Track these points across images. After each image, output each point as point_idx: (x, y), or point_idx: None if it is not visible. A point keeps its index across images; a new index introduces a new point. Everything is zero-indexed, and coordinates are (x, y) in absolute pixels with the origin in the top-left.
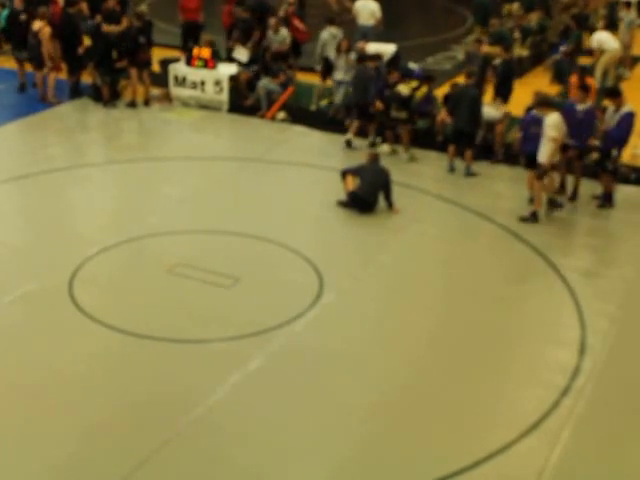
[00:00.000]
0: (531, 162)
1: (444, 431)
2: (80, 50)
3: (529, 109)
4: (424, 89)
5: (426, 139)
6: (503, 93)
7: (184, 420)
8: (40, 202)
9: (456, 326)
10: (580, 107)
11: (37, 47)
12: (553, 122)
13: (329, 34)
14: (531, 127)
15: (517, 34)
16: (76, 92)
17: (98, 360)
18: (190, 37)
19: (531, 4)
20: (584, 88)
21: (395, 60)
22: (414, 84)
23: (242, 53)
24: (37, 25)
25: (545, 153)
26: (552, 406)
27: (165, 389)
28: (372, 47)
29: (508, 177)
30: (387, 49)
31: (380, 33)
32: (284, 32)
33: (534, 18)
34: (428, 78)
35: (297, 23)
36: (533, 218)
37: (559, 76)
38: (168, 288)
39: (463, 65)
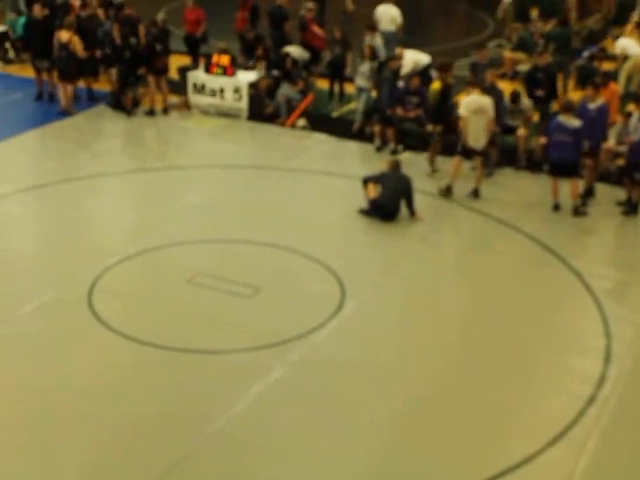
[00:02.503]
0: (555, 169)
1: (467, 441)
2: (97, 54)
3: (554, 115)
4: (437, 84)
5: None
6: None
7: (205, 432)
8: (58, 211)
9: (479, 336)
10: (592, 105)
11: (67, 59)
12: None
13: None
14: (556, 134)
15: (540, 40)
16: (91, 99)
17: (117, 371)
18: (190, 50)
19: (550, 10)
20: (595, 86)
21: (426, 70)
22: (437, 85)
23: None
24: (65, 36)
25: None
26: (577, 416)
27: (185, 400)
28: (409, 55)
29: (532, 184)
30: (423, 59)
31: (401, 39)
32: (305, 54)
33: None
34: (443, 68)
35: (316, 29)
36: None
37: (583, 81)
38: (188, 298)
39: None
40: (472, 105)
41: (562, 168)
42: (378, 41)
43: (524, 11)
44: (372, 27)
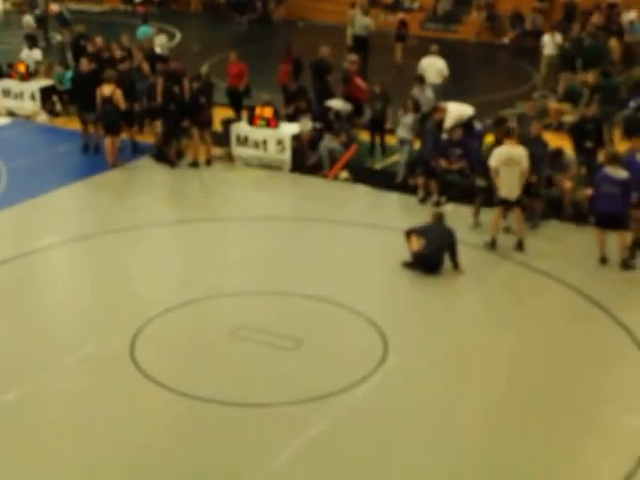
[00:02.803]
0: (603, 221)
1: None
2: (136, 107)
3: (600, 166)
4: (491, 138)
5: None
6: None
7: None
8: (103, 262)
9: (526, 391)
10: (639, 156)
11: (111, 114)
12: None
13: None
14: (603, 185)
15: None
16: (136, 151)
17: (159, 424)
18: (233, 102)
19: (595, 60)
20: None
21: (470, 122)
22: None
23: (306, 124)
24: (107, 90)
25: None
26: (627, 476)
27: (227, 454)
28: (453, 107)
29: (577, 236)
30: (466, 111)
31: (448, 92)
32: (347, 106)
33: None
34: (498, 122)
35: (359, 82)
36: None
37: (630, 132)
38: (231, 350)
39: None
40: (503, 156)
41: (609, 220)
42: (429, 93)
43: (571, 61)
44: (421, 79)
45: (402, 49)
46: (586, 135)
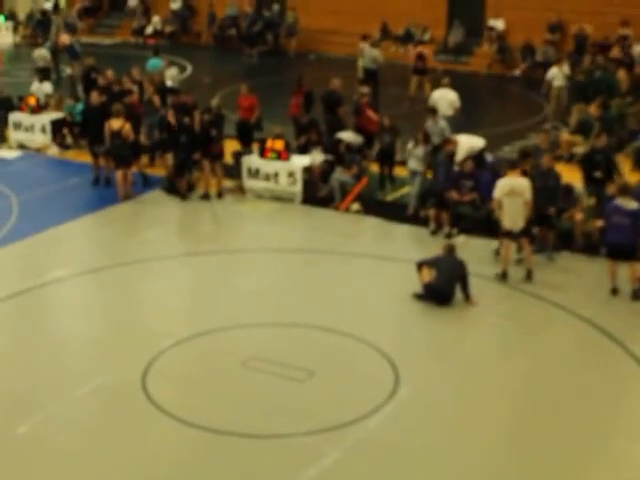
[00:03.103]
0: (614, 252)
1: None
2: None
3: (611, 198)
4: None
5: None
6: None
7: None
8: (114, 294)
9: (536, 421)
10: None
11: (121, 147)
12: None
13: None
14: (613, 216)
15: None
16: (146, 184)
17: (171, 456)
18: (243, 135)
19: (603, 91)
20: None
21: (481, 154)
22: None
23: (317, 156)
24: (116, 124)
25: None
26: None
27: None
28: (464, 139)
29: (588, 267)
30: (477, 143)
31: (459, 122)
32: (358, 138)
33: (612, 105)
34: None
35: (370, 114)
36: None
37: None
38: (242, 382)
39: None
40: (505, 187)
41: (620, 251)
42: (442, 124)
43: (583, 93)
44: (433, 110)
45: (417, 82)
46: (595, 166)
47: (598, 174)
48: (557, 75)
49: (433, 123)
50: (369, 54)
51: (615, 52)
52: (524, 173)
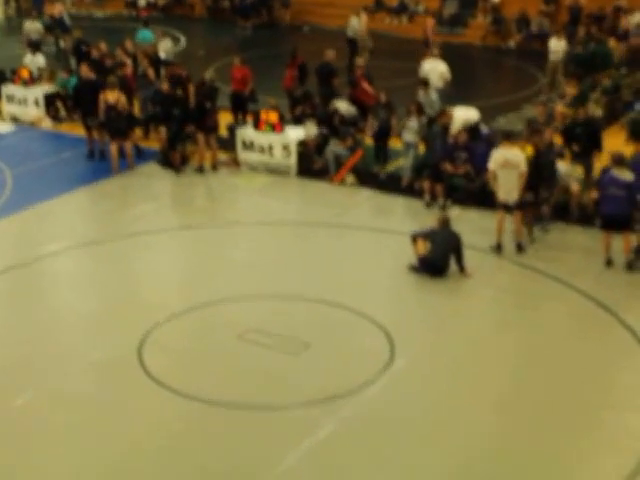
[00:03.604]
0: (608, 223)
1: None
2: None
3: (606, 170)
4: (530, 149)
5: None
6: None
7: None
8: (109, 268)
9: (532, 391)
10: None
11: (117, 120)
12: None
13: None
14: (609, 188)
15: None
16: (140, 157)
17: (167, 428)
18: (237, 107)
19: (598, 64)
20: None
21: (476, 126)
22: (529, 150)
23: (311, 128)
24: (112, 97)
25: None
26: (631, 474)
27: (235, 457)
28: (458, 113)
29: (583, 239)
30: (472, 116)
31: (450, 94)
32: (352, 109)
33: (608, 76)
34: (534, 132)
35: (366, 86)
36: None
37: (635, 135)
38: (238, 354)
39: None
40: (500, 159)
41: (615, 222)
42: (433, 96)
43: (582, 66)
44: (425, 82)
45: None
46: (575, 138)
47: (575, 147)
48: (555, 47)
49: (424, 95)
50: (350, 23)
51: (608, 23)
52: (536, 148)
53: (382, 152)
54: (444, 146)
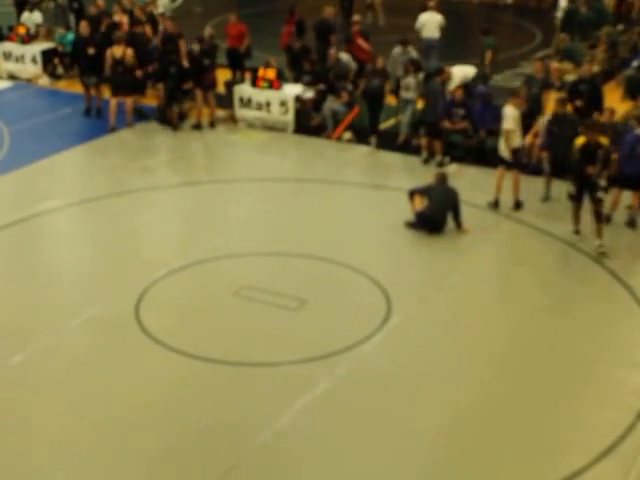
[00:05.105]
0: (633, 183)
1: (515, 456)
2: (139, 73)
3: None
4: (581, 139)
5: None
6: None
7: (250, 445)
8: (106, 225)
9: (527, 349)
10: None
11: (123, 74)
12: None
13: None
14: (637, 147)
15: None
16: (140, 114)
17: (163, 384)
18: (234, 64)
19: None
20: None
21: (473, 82)
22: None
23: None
24: (119, 51)
25: None
26: (627, 430)
27: (231, 413)
28: (456, 70)
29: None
30: (469, 72)
31: (444, 46)
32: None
33: (603, 33)
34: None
35: (361, 42)
36: None
37: (631, 92)
38: (235, 311)
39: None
40: (517, 117)
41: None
42: (413, 53)
43: (571, 21)
44: (404, 41)
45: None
46: (579, 95)
47: (579, 103)
48: (563, 4)
49: (402, 53)
50: None
51: None
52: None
53: (372, 117)
54: (444, 104)
